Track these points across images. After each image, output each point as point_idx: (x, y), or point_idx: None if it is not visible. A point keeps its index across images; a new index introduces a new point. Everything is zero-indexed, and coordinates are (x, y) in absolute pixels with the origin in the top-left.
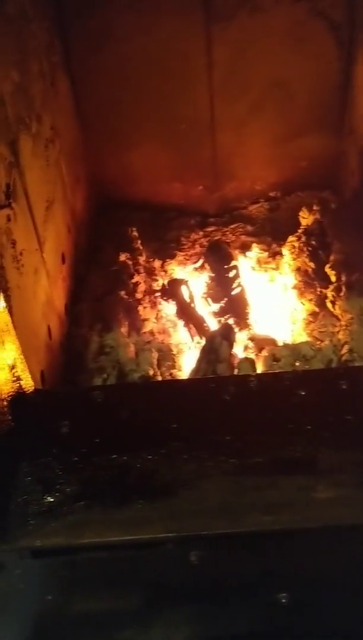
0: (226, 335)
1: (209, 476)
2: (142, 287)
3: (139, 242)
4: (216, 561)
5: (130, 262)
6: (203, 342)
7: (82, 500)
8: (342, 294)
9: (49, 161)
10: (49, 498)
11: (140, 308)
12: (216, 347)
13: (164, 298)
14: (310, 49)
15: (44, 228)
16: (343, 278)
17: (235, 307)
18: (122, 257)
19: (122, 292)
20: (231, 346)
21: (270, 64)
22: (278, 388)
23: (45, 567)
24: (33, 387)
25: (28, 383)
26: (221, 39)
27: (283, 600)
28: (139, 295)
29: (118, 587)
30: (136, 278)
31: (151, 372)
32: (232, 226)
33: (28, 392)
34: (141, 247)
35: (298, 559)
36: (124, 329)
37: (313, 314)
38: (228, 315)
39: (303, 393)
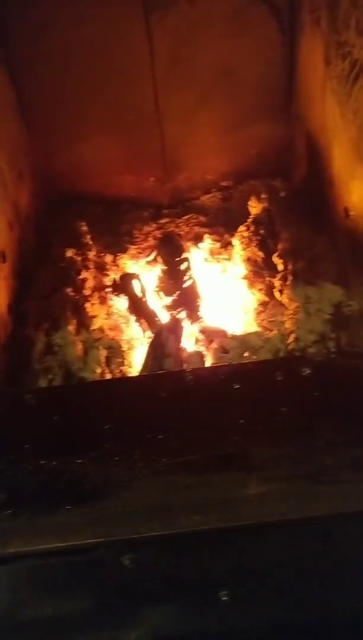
0: (174, 329)
1: (141, 477)
2: (91, 283)
3: (88, 236)
4: (150, 563)
5: (79, 258)
6: (152, 337)
7: (9, 508)
8: (288, 282)
9: None
10: None
11: (89, 305)
12: (163, 341)
13: (116, 293)
14: (253, 35)
15: None
16: (290, 266)
17: (187, 300)
18: (71, 252)
19: (70, 289)
20: (178, 340)
21: (214, 52)
22: (213, 382)
23: None
24: None
25: None
26: (161, 28)
27: (224, 598)
28: (88, 292)
29: (58, 594)
30: (85, 274)
31: (99, 370)
32: (185, 217)
33: None
34: (90, 242)
35: (232, 556)
36: (72, 327)
37: (263, 304)
38: (180, 309)
39: (238, 386)
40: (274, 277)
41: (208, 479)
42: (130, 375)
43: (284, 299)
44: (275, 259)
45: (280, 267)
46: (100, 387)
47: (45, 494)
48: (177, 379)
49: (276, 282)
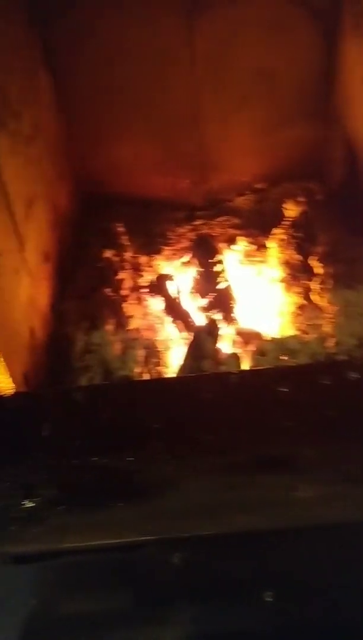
0: (211, 330)
1: (190, 476)
2: (128, 284)
3: (125, 237)
4: (198, 562)
5: (116, 258)
6: (190, 338)
7: (63, 504)
8: (327, 286)
9: (30, 158)
10: (29, 503)
11: (126, 305)
12: (201, 343)
13: (151, 294)
14: (293, 38)
15: (25, 227)
16: (329, 270)
17: (222, 302)
18: (108, 253)
19: (108, 289)
20: (215, 342)
21: (253, 55)
22: (258, 385)
23: (28, 572)
24: (13, 390)
25: (7, 386)
26: (203, 30)
27: (268, 599)
28: (125, 292)
29: (103, 590)
30: (122, 274)
31: (137, 370)
32: (219, 219)
33: (7, 395)
34: (127, 243)
35: (280, 558)
36: (110, 327)
37: (300, 307)
38: (215, 310)
39: (284, 389)
40: (312, 280)
41: (256, 480)
42: (167, 374)
43: (322, 302)
44: (313, 262)
45: (318, 270)
46: (146, 385)
47: (97, 491)
48: (224, 380)
49: (314, 286)
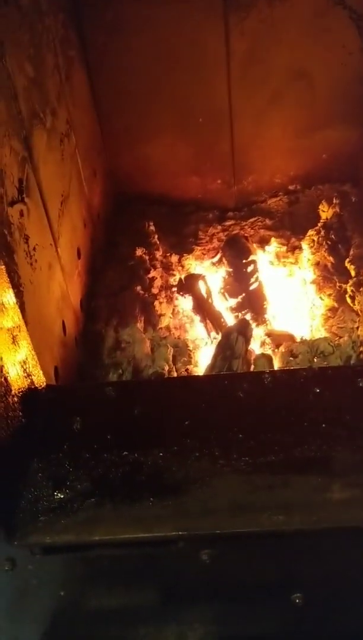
0: (243, 330)
1: (221, 474)
2: (158, 282)
3: (156, 236)
4: (227, 560)
5: (147, 257)
6: (220, 337)
7: (93, 497)
8: (361, 289)
9: (65, 155)
10: (59, 494)
11: (156, 303)
12: (232, 343)
13: (181, 293)
14: (330, 39)
15: (58, 223)
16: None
17: (253, 303)
18: (139, 251)
19: (139, 287)
20: (247, 342)
21: (290, 55)
22: (293, 385)
23: (57, 564)
24: (45, 383)
25: (40, 379)
26: (239, 29)
27: (297, 601)
28: (155, 291)
29: (131, 585)
30: (153, 273)
31: (166, 368)
32: (251, 220)
33: (39, 388)
34: (158, 242)
35: (311, 560)
36: (140, 325)
37: (332, 310)
38: (246, 311)
39: (318, 391)
40: (346, 282)
41: (289, 481)
42: (196, 373)
43: (356, 305)
44: (347, 264)
45: (352, 272)
46: (178, 383)
47: (127, 485)
48: (257, 379)
49: (348, 288)
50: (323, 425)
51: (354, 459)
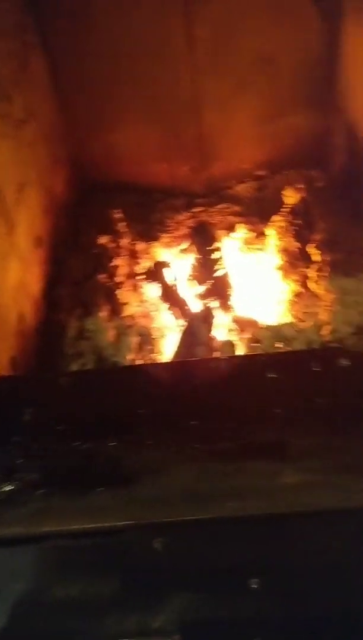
0: (206, 318)
1: (175, 462)
2: (124, 270)
3: (122, 224)
4: (180, 548)
5: (112, 245)
6: (186, 325)
7: (43, 488)
8: (325, 273)
9: (22, 142)
10: (8, 486)
11: (121, 292)
12: (194, 330)
13: (148, 281)
14: (294, 23)
15: (15, 211)
16: (327, 257)
17: (219, 289)
18: (104, 239)
19: (103, 276)
20: (210, 329)
21: (253, 40)
22: (249, 371)
23: (7, 557)
24: None
25: None
26: (201, 15)
27: (254, 586)
28: (120, 279)
29: (87, 576)
30: (118, 261)
31: (130, 357)
32: (219, 207)
33: None
34: (124, 230)
35: (266, 545)
36: (104, 313)
37: (297, 295)
38: (212, 298)
39: (273, 376)
40: (309, 268)
41: (243, 467)
42: (161, 361)
43: (319, 290)
44: (311, 249)
45: (316, 258)
46: (134, 371)
47: (78, 476)
48: (212, 366)
49: (312, 273)
50: (277, 410)
51: (307, 444)
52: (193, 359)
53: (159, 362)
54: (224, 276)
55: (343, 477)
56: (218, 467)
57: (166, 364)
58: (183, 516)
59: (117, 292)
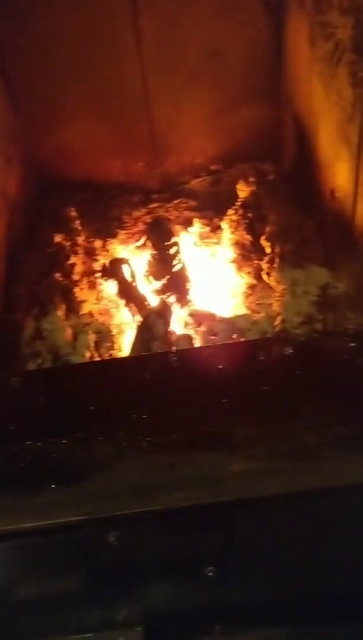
0: (162, 313)
1: (124, 457)
2: (80, 268)
3: (78, 222)
4: (134, 541)
5: (68, 243)
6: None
7: None
8: (276, 265)
9: None
10: None
11: (78, 289)
12: (150, 325)
13: (105, 278)
14: (240, 16)
15: None
16: (278, 249)
17: (176, 284)
18: (58, 238)
19: (59, 274)
20: (167, 324)
21: (201, 34)
22: (196, 363)
23: None
24: None
25: None
26: (147, 10)
27: (210, 574)
28: (77, 277)
29: (46, 573)
30: (74, 259)
31: (88, 355)
32: (175, 202)
33: None
34: (80, 227)
35: (217, 533)
36: (61, 312)
37: (251, 287)
38: (169, 293)
39: (221, 367)
40: (262, 260)
41: (190, 458)
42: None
43: (271, 281)
44: (263, 242)
45: (268, 250)
46: (84, 369)
47: (30, 474)
48: (161, 360)
49: (264, 265)
50: (224, 400)
51: (253, 432)
52: (142, 354)
53: (109, 358)
54: (182, 271)
55: (289, 463)
56: (166, 459)
57: (116, 359)
58: (135, 508)
59: (75, 290)
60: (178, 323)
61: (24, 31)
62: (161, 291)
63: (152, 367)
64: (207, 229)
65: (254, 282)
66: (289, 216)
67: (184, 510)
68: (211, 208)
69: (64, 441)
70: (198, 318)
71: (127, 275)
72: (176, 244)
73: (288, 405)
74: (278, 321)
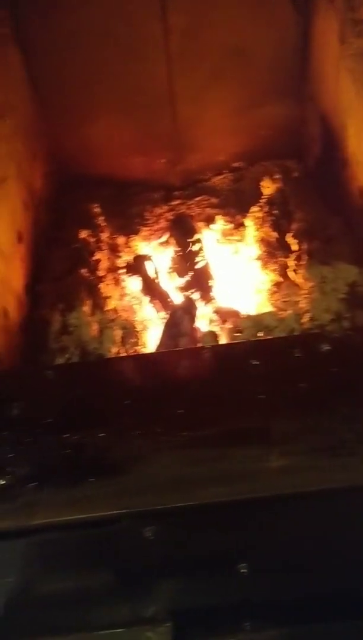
0: (188, 309)
1: (162, 451)
2: (105, 264)
3: (101, 218)
4: (171, 535)
5: (92, 239)
6: (168, 317)
7: (33, 481)
8: (303, 262)
9: (0, 137)
10: None
11: (103, 286)
12: (177, 321)
13: (129, 274)
14: (267, 14)
15: None
16: (305, 246)
17: (200, 281)
18: (84, 234)
19: (85, 270)
20: (193, 320)
21: (228, 31)
22: (231, 358)
23: (1, 550)
24: None
25: None
26: (175, 6)
27: (243, 571)
28: (102, 273)
29: (79, 567)
30: (99, 255)
31: (114, 350)
32: (197, 199)
33: None
34: (103, 224)
35: (253, 529)
36: (87, 308)
37: (277, 284)
38: (193, 289)
39: (256, 362)
40: (288, 257)
41: (228, 453)
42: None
43: (298, 279)
44: (289, 239)
45: (294, 247)
46: (119, 363)
47: (68, 467)
48: (196, 355)
49: (291, 262)
50: (261, 396)
51: (290, 428)
52: (177, 349)
53: (143, 353)
54: (205, 268)
55: (326, 459)
56: (204, 454)
57: (150, 354)
58: (172, 503)
59: (99, 286)
60: (203, 320)
61: (49, 28)
62: (185, 288)
63: (187, 362)
64: (230, 226)
65: (279, 279)
66: (315, 214)
67: (223, 506)
68: (234, 205)
69: (101, 434)
70: (223, 315)
71: (150, 272)
72: (199, 240)
73: (325, 402)
74: (306, 319)
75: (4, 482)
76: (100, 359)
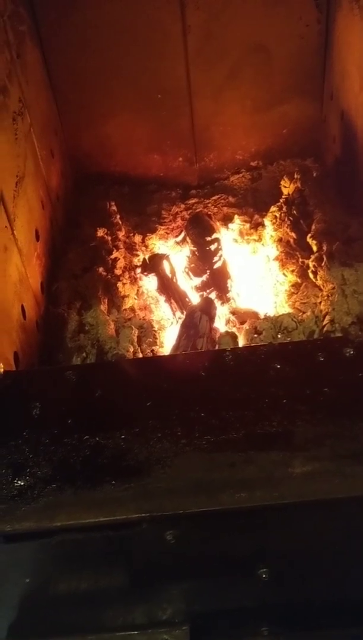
0: (206, 309)
1: (183, 454)
2: (122, 263)
3: (118, 216)
4: (192, 539)
5: (109, 238)
6: (184, 317)
7: (54, 482)
8: (323, 263)
9: (18, 135)
10: (19, 482)
11: (120, 284)
12: (195, 322)
13: (145, 273)
14: (287, 11)
15: (14, 204)
16: (325, 247)
17: (217, 281)
18: (101, 232)
19: (101, 269)
20: (211, 320)
21: (247, 28)
22: (253, 362)
23: (20, 551)
24: (2, 369)
25: None
26: (195, 3)
27: (264, 576)
28: (118, 272)
29: (97, 568)
30: (116, 254)
31: (131, 350)
32: (214, 198)
33: None
34: (120, 222)
35: (275, 535)
36: (104, 307)
37: (295, 285)
38: (210, 289)
39: (278, 366)
40: (308, 258)
41: (251, 457)
42: (162, 354)
43: (318, 280)
44: (309, 239)
45: (314, 248)
46: (141, 364)
47: (89, 469)
48: (218, 358)
49: (310, 263)
50: (284, 400)
51: (314, 433)
52: (196, 350)
53: (164, 354)
54: (222, 267)
55: (349, 465)
56: (226, 458)
57: (172, 356)
58: (195, 508)
59: (116, 285)
60: (220, 320)
61: (67, 24)
62: (201, 288)
63: (209, 364)
64: (247, 225)
65: (298, 280)
66: (335, 214)
67: (245, 512)
68: (251, 204)
69: (122, 436)
70: (241, 316)
71: (167, 271)
72: (216, 240)
73: (348, 407)
74: (326, 321)
75: (23, 482)
76: (120, 360)
